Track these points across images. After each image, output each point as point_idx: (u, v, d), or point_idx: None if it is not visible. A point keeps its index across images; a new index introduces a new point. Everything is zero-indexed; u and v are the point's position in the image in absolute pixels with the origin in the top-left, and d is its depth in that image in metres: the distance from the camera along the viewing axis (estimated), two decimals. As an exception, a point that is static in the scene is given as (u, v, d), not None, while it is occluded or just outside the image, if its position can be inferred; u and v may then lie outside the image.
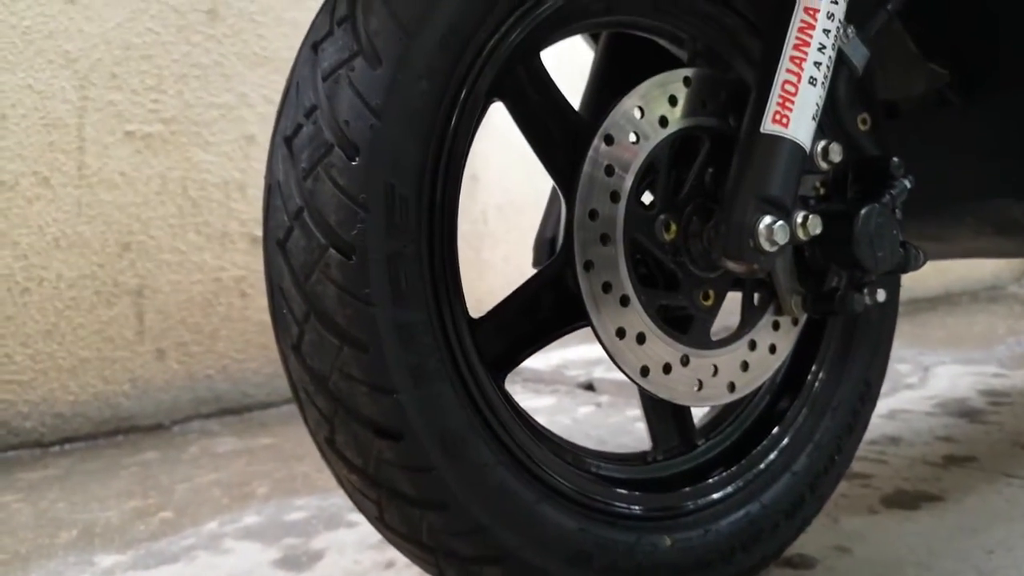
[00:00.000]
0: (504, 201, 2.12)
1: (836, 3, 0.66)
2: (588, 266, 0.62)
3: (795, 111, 0.64)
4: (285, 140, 0.56)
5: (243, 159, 1.81)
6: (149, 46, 1.69)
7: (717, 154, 0.68)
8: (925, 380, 1.69)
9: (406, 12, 0.55)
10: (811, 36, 0.65)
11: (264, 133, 1.83)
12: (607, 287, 0.62)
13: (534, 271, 0.67)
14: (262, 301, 1.80)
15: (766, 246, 0.61)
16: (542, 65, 0.68)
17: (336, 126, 0.54)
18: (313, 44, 0.57)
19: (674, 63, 0.82)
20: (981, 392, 1.55)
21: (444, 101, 0.57)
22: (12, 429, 1.53)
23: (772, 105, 0.64)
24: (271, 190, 0.57)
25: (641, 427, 0.64)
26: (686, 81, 0.67)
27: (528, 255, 0.84)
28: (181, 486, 1.22)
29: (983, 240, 0.98)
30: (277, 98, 1.91)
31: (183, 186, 1.73)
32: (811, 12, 0.65)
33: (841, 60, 0.70)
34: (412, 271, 0.55)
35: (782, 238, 0.62)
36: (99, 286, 1.63)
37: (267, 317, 1.88)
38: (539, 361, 1.93)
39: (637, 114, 0.65)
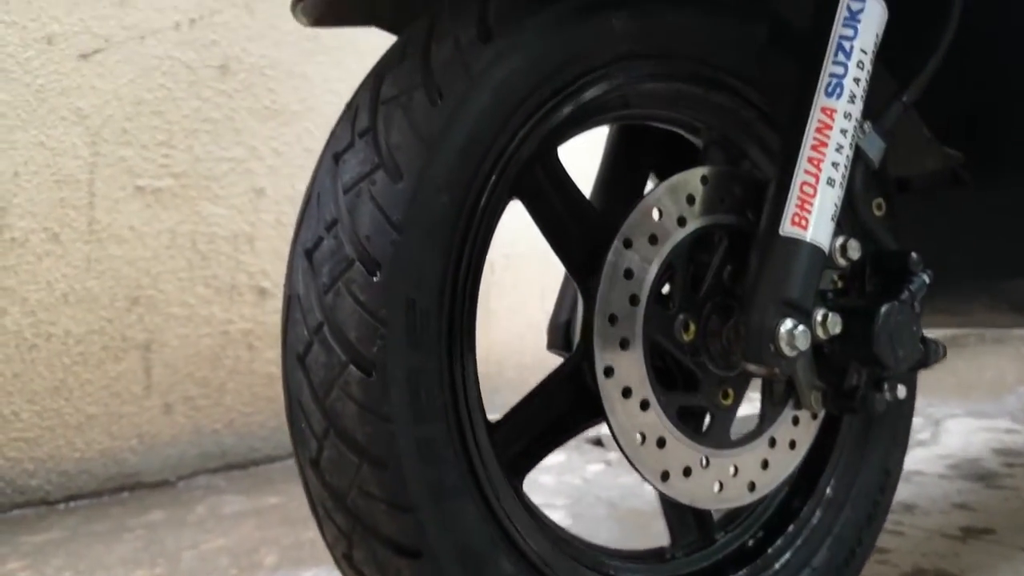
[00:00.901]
0: (511, 251, 2.12)
1: (853, 102, 0.66)
2: (608, 372, 0.61)
3: (814, 213, 0.63)
4: (306, 252, 0.56)
5: (252, 212, 1.82)
6: (160, 102, 1.70)
7: (735, 250, 0.68)
8: (937, 436, 1.67)
9: (427, 125, 0.55)
10: (828, 136, 0.65)
11: (273, 185, 1.84)
12: (627, 392, 0.62)
13: (548, 352, 0.66)
14: (269, 354, 1.80)
15: (787, 351, 0.61)
16: (559, 162, 0.68)
17: (357, 241, 0.54)
18: (334, 154, 0.57)
19: (685, 146, 0.83)
20: (995, 451, 1.53)
21: (464, 211, 0.57)
22: (18, 487, 1.52)
23: (791, 207, 0.63)
24: (291, 302, 0.57)
25: (651, 489, 0.63)
26: (703, 180, 0.67)
27: (534, 306, 0.84)
28: (188, 553, 1.21)
29: (998, 315, 0.97)
30: (286, 150, 1.93)
31: (192, 240, 1.74)
32: (828, 112, 0.65)
33: (858, 155, 0.69)
34: (432, 385, 0.54)
35: (803, 343, 0.61)
36: (107, 341, 1.63)
37: (274, 369, 1.88)
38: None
39: (655, 215, 0.65)
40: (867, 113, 0.69)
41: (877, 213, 0.79)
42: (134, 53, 1.66)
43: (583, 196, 0.70)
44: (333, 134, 0.59)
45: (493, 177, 0.59)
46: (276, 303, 1.84)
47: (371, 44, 2.04)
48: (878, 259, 0.70)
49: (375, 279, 0.53)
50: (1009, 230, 0.88)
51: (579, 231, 0.68)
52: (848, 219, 0.74)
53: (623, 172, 0.77)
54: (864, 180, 0.73)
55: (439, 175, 0.56)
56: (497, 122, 0.59)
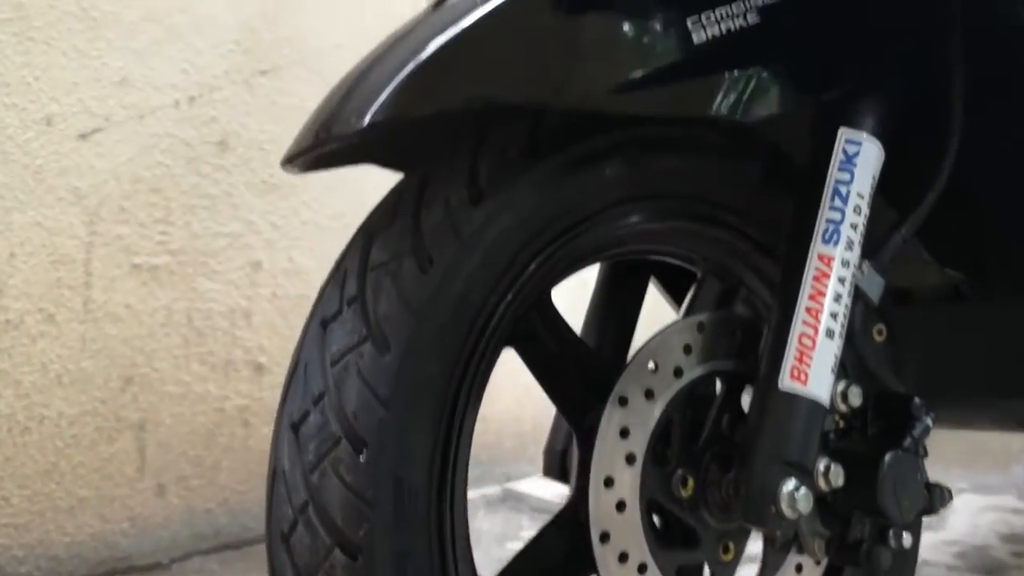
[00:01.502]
0: (510, 318, 2.11)
1: (850, 249, 0.65)
2: (604, 537, 0.59)
3: (813, 366, 0.62)
4: (292, 426, 0.54)
5: (249, 286, 1.81)
6: (159, 179, 1.70)
7: (733, 396, 0.67)
8: (943, 516, 1.64)
9: (416, 294, 0.54)
10: (826, 286, 0.64)
11: (270, 259, 1.84)
12: (624, 557, 0.60)
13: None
14: (264, 430, 1.77)
15: (788, 513, 0.59)
16: (552, 305, 0.67)
17: (344, 417, 0.52)
18: (322, 320, 0.56)
19: (677, 274, 0.82)
20: (1003, 538, 1.50)
21: (454, 378, 0.56)
22: (7, 575, 1.49)
23: (789, 359, 0.62)
24: (276, 476, 0.55)
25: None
26: (699, 327, 0.66)
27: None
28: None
29: (1005, 428, 0.96)
30: (283, 223, 1.92)
31: (188, 316, 1.72)
32: (825, 260, 0.64)
33: (857, 294, 0.68)
34: (422, 566, 0.52)
35: (805, 505, 0.60)
36: (100, 422, 1.61)
37: (268, 447, 1.85)
38: (548, 490, 1.89)
39: (651, 367, 0.64)
40: (865, 248, 0.68)
41: (878, 339, 0.77)
42: (133, 132, 1.66)
43: (576, 337, 0.69)
44: (321, 297, 0.58)
45: (484, 337, 0.58)
46: (272, 378, 1.82)
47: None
48: (880, 402, 0.69)
49: (361, 458, 0.52)
50: (1014, 348, 0.86)
51: (574, 374, 0.67)
52: (848, 355, 0.73)
53: (616, 304, 0.76)
54: (864, 318, 0.71)
55: (428, 346, 0.54)
56: (488, 283, 0.58)
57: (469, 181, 0.58)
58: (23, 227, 1.57)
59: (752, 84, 0.59)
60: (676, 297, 0.91)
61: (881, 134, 0.67)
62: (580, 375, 0.66)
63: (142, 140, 1.71)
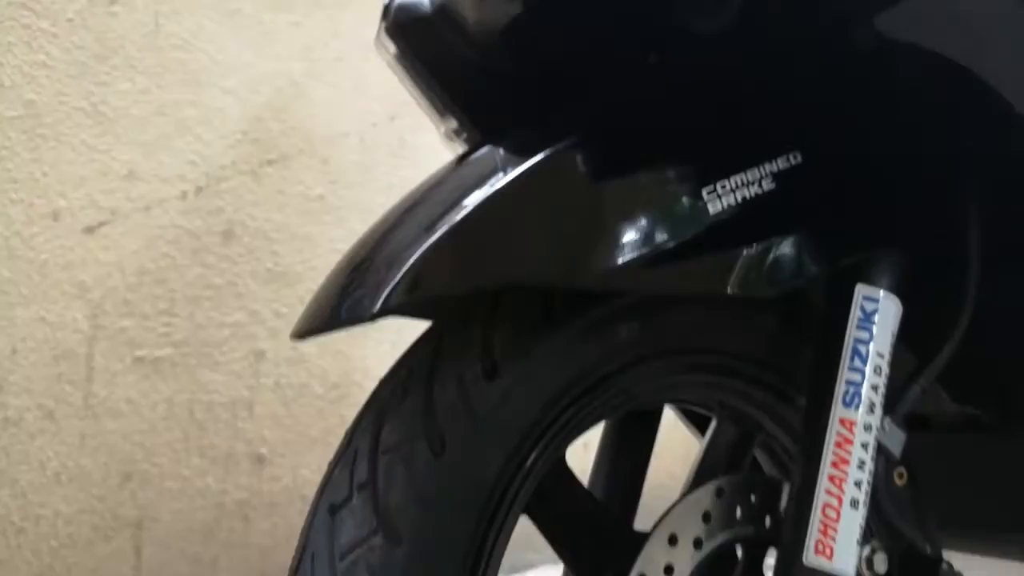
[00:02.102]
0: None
1: (872, 412, 0.64)
2: None
3: (839, 540, 0.60)
4: (298, 623, 0.52)
5: (252, 376, 1.79)
6: (164, 270, 1.70)
7: (754, 563, 0.64)
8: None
9: (428, 481, 0.53)
10: (849, 452, 0.62)
11: (274, 348, 1.82)
12: None
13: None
14: (264, 524, 1.74)
15: None
16: (566, 467, 0.65)
17: (353, 618, 0.50)
18: (331, 506, 0.54)
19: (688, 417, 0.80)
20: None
21: (468, 564, 0.54)
22: None
23: (813, 533, 0.60)
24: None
25: None
26: (718, 492, 0.64)
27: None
28: None
29: (1028, 559, 0.93)
30: (287, 312, 1.91)
31: (189, 409, 1.70)
32: (847, 424, 0.63)
33: (879, 450, 0.67)
34: None
35: None
36: (97, 520, 1.57)
37: (269, 541, 1.81)
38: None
39: (670, 540, 0.61)
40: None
41: (898, 482, 0.75)
42: (139, 224, 1.67)
43: (589, 495, 0.67)
44: (331, 479, 0.56)
45: (500, 515, 0.56)
46: (273, 470, 1.79)
47: (376, 203, 2.04)
48: (907, 566, 0.66)
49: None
50: (1038, 485, 0.84)
51: (588, 539, 0.65)
52: (870, 508, 0.71)
53: (626, 451, 0.75)
54: (886, 472, 0.70)
55: (442, 535, 0.53)
56: (503, 461, 0.56)
57: (483, 353, 0.57)
58: (26, 322, 1.56)
59: (770, 256, 0.58)
60: (694, 421, 0.89)
61: (898, 289, 0.66)
62: (595, 539, 0.64)
63: (148, 232, 1.72)
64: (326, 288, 0.57)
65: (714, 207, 0.58)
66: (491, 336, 0.57)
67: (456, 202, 0.56)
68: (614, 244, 0.55)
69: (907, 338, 0.73)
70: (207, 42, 1.76)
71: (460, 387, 0.55)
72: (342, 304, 0.54)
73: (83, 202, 1.64)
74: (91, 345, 1.62)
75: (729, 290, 0.56)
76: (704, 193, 0.58)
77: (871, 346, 0.64)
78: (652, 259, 0.55)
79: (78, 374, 1.60)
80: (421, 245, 0.53)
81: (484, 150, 0.66)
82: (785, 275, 0.59)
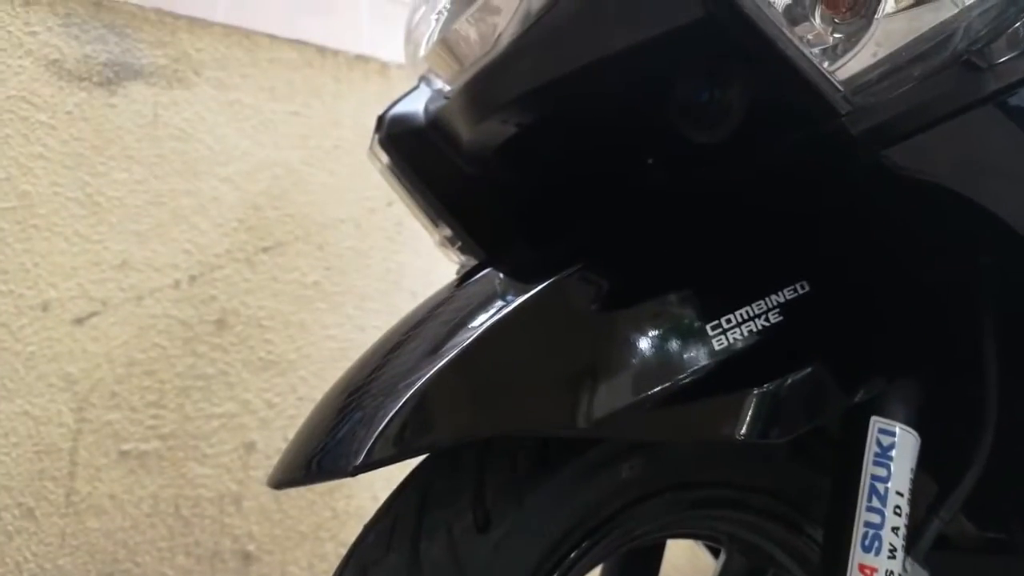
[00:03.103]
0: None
1: (894, 556, 0.59)
2: None
3: None
4: None
5: (241, 469, 1.73)
6: (153, 361, 1.65)
7: None
8: None
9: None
10: (872, 603, 0.57)
11: (265, 439, 1.76)
12: None
13: None
14: (251, 627, 1.65)
15: None
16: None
17: None
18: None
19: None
20: None
21: None
22: None
23: None
24: None
25: None
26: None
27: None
28: None
29: None
30: (279, 401, 1.86)
31: (175, 505, 1.63)
32: (868, 572, 0.58)
33: (902, 594, 0.62)
34: None
35: None
36: (74, 626, 1.49)
37: (255, 647, 1.72)
38: None
39: None
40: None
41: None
42: (130, 314, 1.63)
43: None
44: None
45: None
46: (261, 567, 1.71)
47: (372, 289, 2.00)
48: None
49: None
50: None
51: None
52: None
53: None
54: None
55: None
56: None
57: (474, 502, 0.52)
58: (9, 417, 1.51)
59: (782, 395, 0.54)
60: (706, 543, 0.84)
61: (916, 421, 0.62)
62: None
63: (139, 322, 1.68)
64: (302, 441, 0.53)
65: (720, 343, 0.54)
66: (483, 482, 0.53)
67: (448, 340, 0.53)
68: (617, 386, 0.51)
69: (925, 464, 0.68)
70: (205, 132, 1.76)
71: (450, 541, 0.51)
72: (324, 451, 0.50)
73: (74, 292, 1.61)
74: (75, 439, 1.56)
75: (740, 436, 0.52)
76: (709, 329, 0.54)
77: (889, 485, 0.60)
78: (657, 402, 0.51)
79: (61, 470, 1.53)
80: (410, 390, 0.49)
81: (483, 273, 0.63)
82: (799, 416, 0.55)
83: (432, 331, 0.57)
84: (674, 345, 0.53)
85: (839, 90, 0.51)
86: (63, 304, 1.58)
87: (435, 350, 0.52)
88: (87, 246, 1.60)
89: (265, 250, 1.83)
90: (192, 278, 1.74)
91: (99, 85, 1.67)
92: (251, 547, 1.72)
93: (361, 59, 1.95)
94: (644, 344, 0.52)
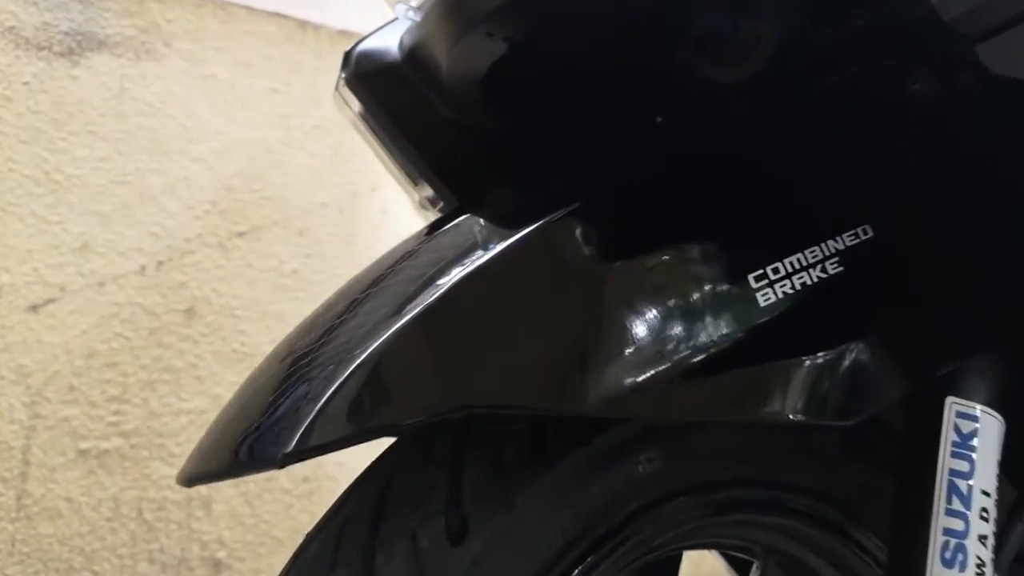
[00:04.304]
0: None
1: (981, 572, 0.46)
2: None
3: None
4: None
5: (211, 469, 1.59)
6: (116, 352, 1.52)
7: None
8: None
9: None
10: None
11: (238, 438, 1.63)
12: None
13: None
14: (220, 641, 1.52)
15: None
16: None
17: None
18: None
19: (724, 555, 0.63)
20: None
21: None
22: None
23: None
24: None
25: None
26: None
27: None
28: None
29: None
30: (255, 396, 1.74)
31: (138, 508, 1.50)
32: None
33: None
34: None
35: None
36: (23, 642, 1.35)
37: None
38: None
39: None
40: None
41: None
42: (91, 301, 1.50)
43: None
44: None
45: None
46: (232, 576, 1.58)
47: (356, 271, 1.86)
48: None
49: None
50: None
51: None
52: None
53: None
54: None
55: None
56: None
57: (448, 504, 0.40)
58: (-46, 412, 1.38)
59: (843, 368, 0.42)
60: (732, 560, 0.71)
61: (999, 402, 0.50)
62: None
63: (100, 310, 1.55)
64: (240, 406, 0.41)
65: (766, 299, 0.41)
66: (459, 476, 0.40)
67: (415, 298, 0.40)
68: (629, 352, 0.38)
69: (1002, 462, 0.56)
70: (176, 108, 1.64)
71: (413, 554, 0.38)
72: (258, 435, 0.37)
73: (29, 277, 1.47)
74: (29, 437, 1.43)
75: (791, 416, 0.40)
76: (752, 280, 0.42)
77: (973, 482, 0.47)
78: (685, 373, 0.38)
79: (11, 471, 1.40)
80: (360, 360, 0.36)
81: (460, 219, 0.51)
82: (863, 395, 0.42)
83: (395, 288, 0.45)
84: (706, 300, 0.40)
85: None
86: (17, 290, 1.45)
87: (398, 310, 0.40)
88: (44, 227, 1.47)
89: (240, 235, 1.70)
90: (159, 263, 1.61)
91: (60, 55, 1.54)
92: (221, 554, 1.59)
93: (345, 34, 1.82)
94: (664, 297, 0.39)
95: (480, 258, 0.42)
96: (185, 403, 1.57)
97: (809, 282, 0.42)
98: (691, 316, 0.40)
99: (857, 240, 0.45)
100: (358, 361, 0.36)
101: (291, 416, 0.37)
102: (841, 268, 0.44)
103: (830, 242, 0.44)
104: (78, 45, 1.58)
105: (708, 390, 0.39)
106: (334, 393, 0.35)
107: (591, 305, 0.40)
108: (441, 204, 0.72)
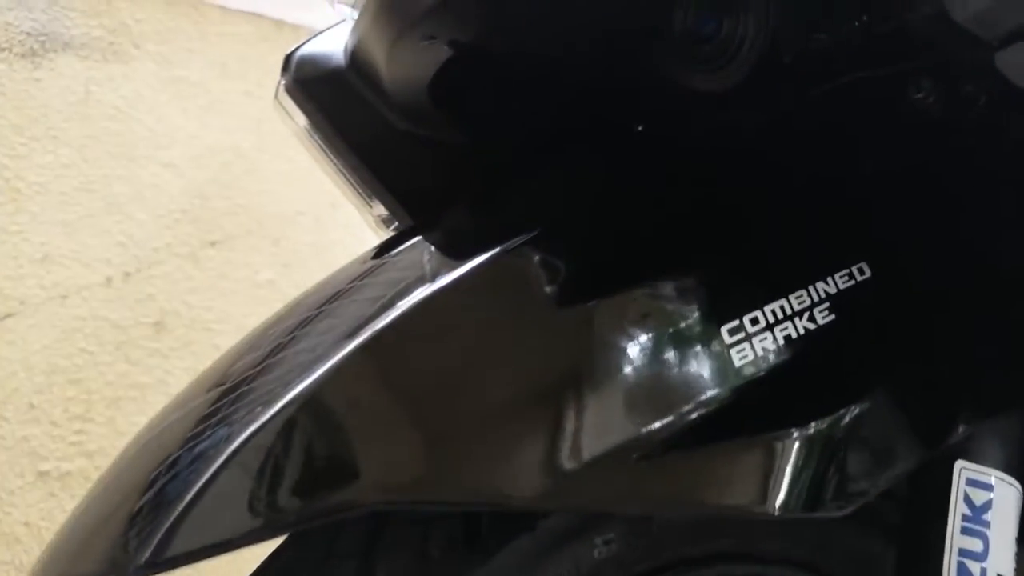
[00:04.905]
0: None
1: None
2: None
3: None
4: None
5: (181, 490, 1.52)
6: (79, 369, 1.45)
7: None
8: None
9: None
10: None
11: (209, 456, 1.56)
12: None
13: None
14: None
15: None
16: None
17: None
18: None
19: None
20: None
21: None
22: None
23: None
24: None
25: None
26: None
27: None
28: None
29: None
30: (228, 412, 1.67)
31: (102, 532, 1.43)
32: None
33: None
34: None
35: None
36: (-23, 675, 1.29)
37: None
38: None
39: None
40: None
41: None
42: (52, 315, 1.43)
43: None
44: None
45: None
46: (202, 602, 1.51)
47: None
48: None
49: None
50: None
51: None
52: None
53: None
54: None
55: None
56: None
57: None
58: (-95, 433, 1.32)
59: (836, 442, 0.35)
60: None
61: (1016, 466, 0.43)
62: None
63: (63, 324, 1.48)
64: (77, 527, 0.34)
65: (742, 356, 0.34)
66: (371, 574, 0.33)
67: (336, 346, 0.34)
68: (576, 429, 0.31)
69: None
70: (145, 112, 1.57)
71: None
72: (107, 552, 0.30)
73: (-14, 290, 1.41)
74: (-15, 458, 1.37)
75: (777, 511, 0.33)
76: (726, 334, 0.34)
77: (987, 565, 0.40)
78: (643, 456, 0.31)
79: (-34, 494, 1.34)
80: (237, 451, 0.30)
81: (410, 243, 0.46)
82: (864, 475, 0.35)
83: (316, 336, 0.38)
84: (670, 361, 0.33)
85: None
86: (-27, 303, 1.39)
87: (312, 363, 0.34)
88: (3, 237, 1.40)
89: (212, 244, 1.63)
90: (126, 275, 1.54)
91: (22, 56, 1.47)
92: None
93: (323, 35, 1.76)
94: (622, 361, 0.32)
95: (419, 296, 0.36)
96: (153, 421, 1.50)
97: (795, 335, 0.35)
98: (652, 382, 0.33)
99: (852, 282, 0.38)
100: (228, 451, 0.29)
101: (162, 509, 0.30)
102: (833, 316, 0.36)
103: (820, 284, 0.37)
104: (41, 46, 1.51)
105: (671, 476, 0.32)
106: (205, 486, 0.28)
107: (534, 367, 0.33)
108: (396, 224, 0.65)
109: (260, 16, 1.71)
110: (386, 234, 0.68)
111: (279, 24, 1.73)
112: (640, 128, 0.52)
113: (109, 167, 1.50)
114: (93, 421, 1.43)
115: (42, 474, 1.38)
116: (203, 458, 0.32)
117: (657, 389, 0.33)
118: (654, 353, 0.33)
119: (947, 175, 0.43)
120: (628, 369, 0.33)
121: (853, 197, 0.42)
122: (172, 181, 1.57)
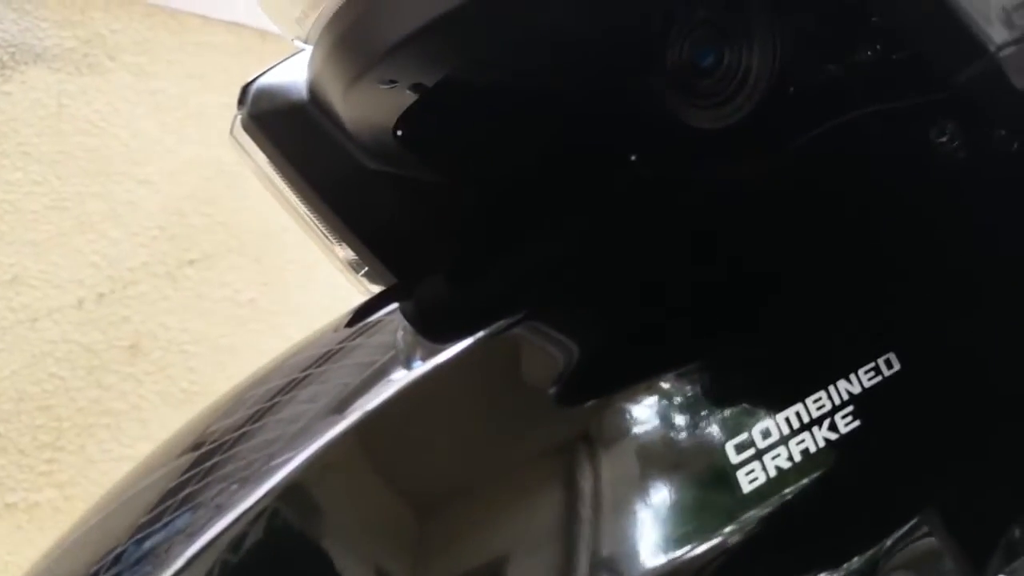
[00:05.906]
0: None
1: None
2: None
3: None
4: None
5: (156, 520, 1.46)
6: (49, 395, 1.39)
7: None
8: None
9: None
10: None
11: (186, 484, 1.50)
12: None
13: None
14: None
15: None
16: None
17: None
18: None
19: None
20: None
21: None
22: None
23: None
24: None
25: None
26: None
27: None
28: None
29: None
30: (207, 438, 1.61)
31: (72, 566, 1.37)
32: None
33: None
34: None
35: None
36: None
37: None
38: None
39: None
40: None
41: None
42: (21, 339, 1.37)
43: None
44: None
45: None
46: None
47: (316, 307, 1.72)
48: None
49: None
50: None
51: None
52: None
53: None
54: None
55: None
56: None
57: None
58: None
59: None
60: None
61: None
62: None
63: (32, 348, 1.42)
64: None
65: (752, 479, 0.28)
66: None
67: (287, 448, 0.29)
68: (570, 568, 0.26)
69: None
70: (120, 126, 1.50)
71: None
72: None
73: (-49, 314, 1.35)
74: (-52, 491, 1.31)
75: None
76: (731, 451, 0.29)
77: None
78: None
79: (-73, 529, 1.28)
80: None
81: (385, 312, 0.43)
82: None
83: (299, 404, 0.35)
84: (664, 489, 0.27)
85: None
86: (-63, 328, 1.33)
87: (295, 437, 0.30)
88: (-31, 259, 1.34)
89: (190, 263, 1.57)
90: (100, 296, 1.47)
91: (-10, 69, 1.41)
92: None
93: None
94: (609, 491, 0.26)
95: (401, 383, 0.31)
96: (127, 449, 1.44)
97: (813, 448, 0.29)
98: (644, 514, 0.27)
99: (879, 378, 0.32)
100: (186, 556, 0.24)
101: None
102: (858, 423, 0.31)
103: (841, 383, 0.31)
104: (11, 58, 1.45)
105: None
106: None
107: (502, 502, 0.27)
108: (365, 270, 0.60)
109: (242, 26, 1.65)
110: (354, 279, 0.62)
111: (262, 34, 1.67)
112: (633, 159, 0.47)
113: (82, 184, 1.44)
114: (64, 450, 1.37)
115: (9, 506, 1.32)
116: (150, 559, 0.27)
117: (650, 526, 0.27)
118: (648, 484, 0.27)
119: (984, 241, 0.37)
120: (615, 500, 0.27)
121: (875, 270, 0.36)
122: (148, 198, 1.51)
